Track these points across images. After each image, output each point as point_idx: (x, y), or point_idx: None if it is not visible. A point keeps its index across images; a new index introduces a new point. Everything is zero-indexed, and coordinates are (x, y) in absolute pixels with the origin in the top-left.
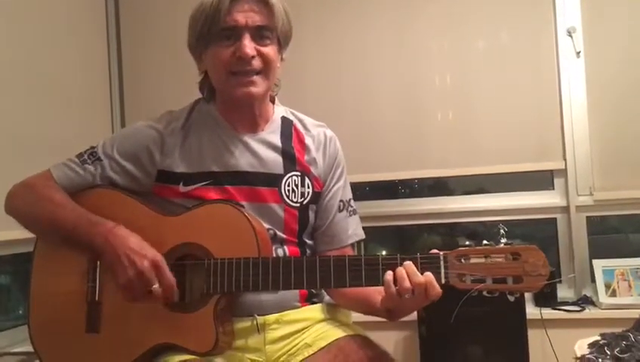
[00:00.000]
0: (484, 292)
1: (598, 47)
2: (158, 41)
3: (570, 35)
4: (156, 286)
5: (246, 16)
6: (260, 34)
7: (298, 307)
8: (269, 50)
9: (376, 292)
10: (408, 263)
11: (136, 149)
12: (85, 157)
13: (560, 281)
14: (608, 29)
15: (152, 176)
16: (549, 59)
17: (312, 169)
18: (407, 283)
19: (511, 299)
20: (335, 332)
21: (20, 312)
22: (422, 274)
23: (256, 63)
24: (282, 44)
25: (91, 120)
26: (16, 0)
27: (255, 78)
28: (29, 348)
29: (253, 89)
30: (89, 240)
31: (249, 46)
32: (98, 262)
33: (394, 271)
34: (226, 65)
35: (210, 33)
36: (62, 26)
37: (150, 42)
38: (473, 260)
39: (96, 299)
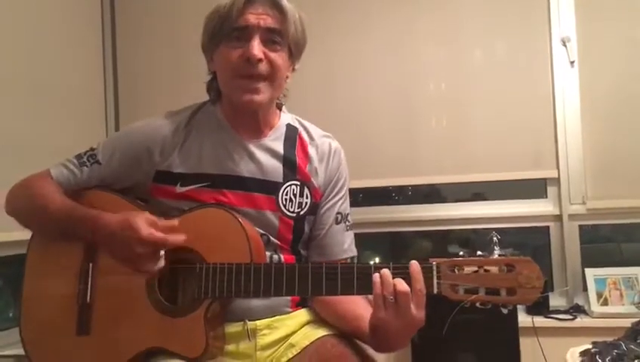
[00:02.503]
0: (477, 304)
1: (592, 56)
2: (153, 43)
3: (565, 45)
4: (162, 253)
5: (258, 17)
6: (270, 38)
7: (289, 312)
8: (278, 56)
9: (365, 312)
10: (399, 280)
11: (136, 150)
12: (84, 158)
13: (552, 291)
14: (602, 39)
15: (150, 176)
16: (543, 69)
17: (313, 179)
18: (390, 285)
19: (504, 311)
20: (318, 332)
21: (11, 315)
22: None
23: (263, 68)
24: (294, 52)
25: (85, 122)
26: (10, 2)
27: (260, 85)
28: (20, 351)
29: (256, 97)
30: (76, 233)
31: (257, 48)
32: (90, 264)
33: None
34: (233, 67)
35: (222, 32)
36: (57, 27)
37: (146, 44)
38: (466, 270)
39: (88, 301)
